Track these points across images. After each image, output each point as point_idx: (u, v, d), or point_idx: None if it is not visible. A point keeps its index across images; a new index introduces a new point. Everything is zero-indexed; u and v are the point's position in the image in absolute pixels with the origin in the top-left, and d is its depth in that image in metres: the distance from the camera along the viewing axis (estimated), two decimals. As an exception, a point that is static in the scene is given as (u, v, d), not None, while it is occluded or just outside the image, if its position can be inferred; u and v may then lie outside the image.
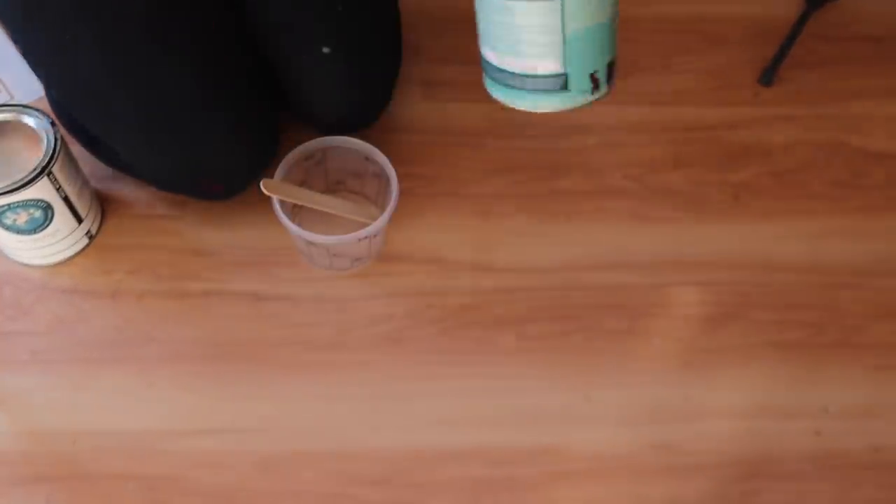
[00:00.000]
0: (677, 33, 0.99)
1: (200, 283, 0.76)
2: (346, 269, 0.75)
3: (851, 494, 0.68)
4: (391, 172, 0.72)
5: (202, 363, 0.71)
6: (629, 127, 0.90)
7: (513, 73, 0.89)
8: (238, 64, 0.73)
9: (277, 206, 0.70)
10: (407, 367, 0.72)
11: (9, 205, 0.68)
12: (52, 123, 0.70)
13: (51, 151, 0.69)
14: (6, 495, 0.64)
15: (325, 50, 0.73)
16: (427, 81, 0.91)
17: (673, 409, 0.71)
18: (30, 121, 0.70)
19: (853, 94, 0.94)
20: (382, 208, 0.74)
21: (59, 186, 0.70)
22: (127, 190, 0.81)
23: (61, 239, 0.74)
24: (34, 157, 0.68)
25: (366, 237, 0.70)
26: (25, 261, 0.75)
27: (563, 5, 0.80)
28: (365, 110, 0.80)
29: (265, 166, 0.75)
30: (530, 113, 0.92)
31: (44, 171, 0.68)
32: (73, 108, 0.73)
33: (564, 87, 0.87)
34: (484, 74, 0.90)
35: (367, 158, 0.74)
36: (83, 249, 0.77)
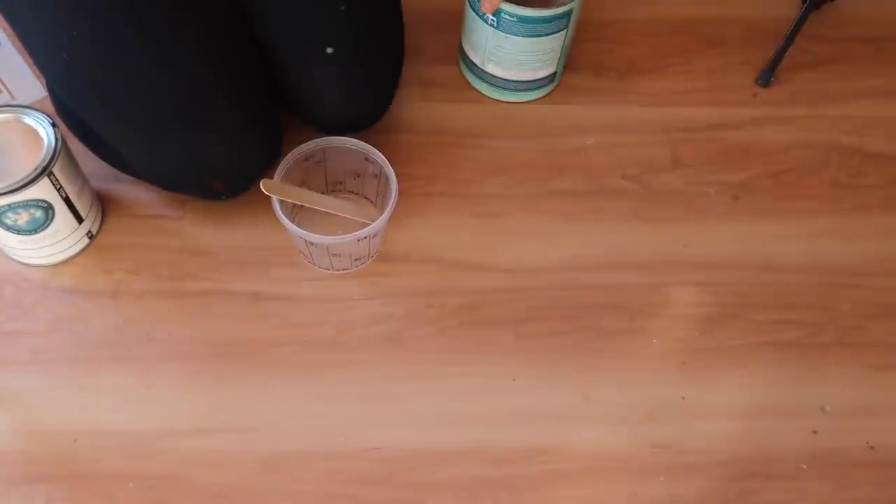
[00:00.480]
0: (675, 35, 0.99)
1: (200, 283, 0.76)
2: (347, 270, 0.76)
3: (849, 493, 0.68)
4: (390, 173, 0.73)
5: (202, 363, 0.72)
6: (628, 127, 0.90)
7: (516, 81, 0.91)
8: (241, 63, 0.73)
9: (277, 207, 0.70)
10: (406, 366, 0.72)
11: (9, 205, 0.68)
12: (53, 124, 0.70)
13: (51, 151, 0.69)
14: (6, 494, 0.64)
15: (329, 50, 0.74)
16: (426, 82, 0.92)
17: (671, 409, 0.71)
18: (30, 121, 0.71)
19: (850, 94, 0.95)
20: (382, 208, 0.74)
21: (60, 186, 0.70)
22: (127, 190, 0.81)
23: (62, 239, 0.74)
24: (35, 157, 0.69)
25: (365, 237, 0.70)
26: (26, 261, 0.75)
27: (567, 28, 0.83)
28: (367, 111, 0.80)
29: (268, 166, 0.75)
30: (528, 113, 0.93)
31: (44, 171, 0.68)
32: (76, 106, 0.73)
33: (553, 80, 0.91)
34: (475, 77, 0.91)
35: (366, 159, 0.75)
36: (84, 249, 0.77)
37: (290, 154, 0.73)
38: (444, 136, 0.88)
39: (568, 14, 0.82)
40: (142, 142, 0.70)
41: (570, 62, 0.93)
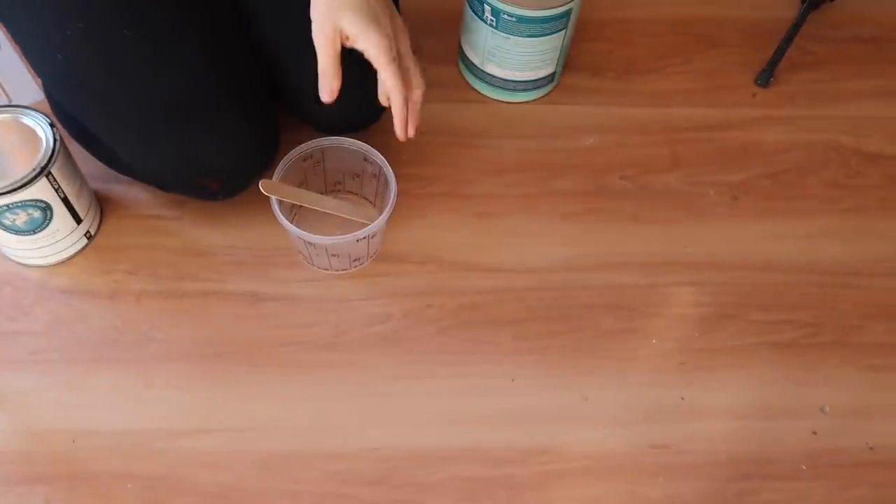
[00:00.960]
0: (675, 35, 0.99)
1: (199, 284, 0.76)
2: (346, 270, 0.76)
3: (848, 493, 0.68)
4: (389, 173, 0.73)
5: (200, 363, 0.71)
6: (627, 128, 0.90)
7: (515, 81, 0.91)
8: (238, 63, 0.73)
9: (276, 207, 0.70)
10: (405, 367, 0.72)
11: (8, 205, 0.68)
12: (51, 124, 0.70)
13: (50, 152, 0.69)
14: (4, 495, 0.64)
15: None
16: (426, 82, 0.91)
17: (670, 409, 0.71)
18: (29, 121, 0.71)
19: (849, 95, 0.95)
20: (381, 209, 0.74)
21: (58, 187, 0.70)
22: (126, 190, 0.81)
23: (60, 239, 0.74)
24: (33, 157, 0.69)
25: (364, 237, 0.70)
26: (24, 261, 0.75)
27: (567, 28, 0.83)
28: (366, 111, 0.80)
29: (265, 166, 0.75)
30: (527, 113, 0.93)
31: (43, 171, 0.68)
32: (73, 107, 0.73)
33: (552, 80, 0.91)
34: (474, 77, 0.91)
35: (365, 159, 0.75)
36: (82, 250, 0.77)
37: (289, 154, 0.73)
38: (444, 136, 0.88)
39: (567, 14, 0.82)
40: (137, 142, 0.70)
41: (569, 62, 0.93)
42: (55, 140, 0.69)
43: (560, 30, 0.83)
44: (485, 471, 0.68)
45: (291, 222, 0.71)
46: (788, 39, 0.96)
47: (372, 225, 0.70)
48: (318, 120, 0.79)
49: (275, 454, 0.67)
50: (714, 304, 0.78)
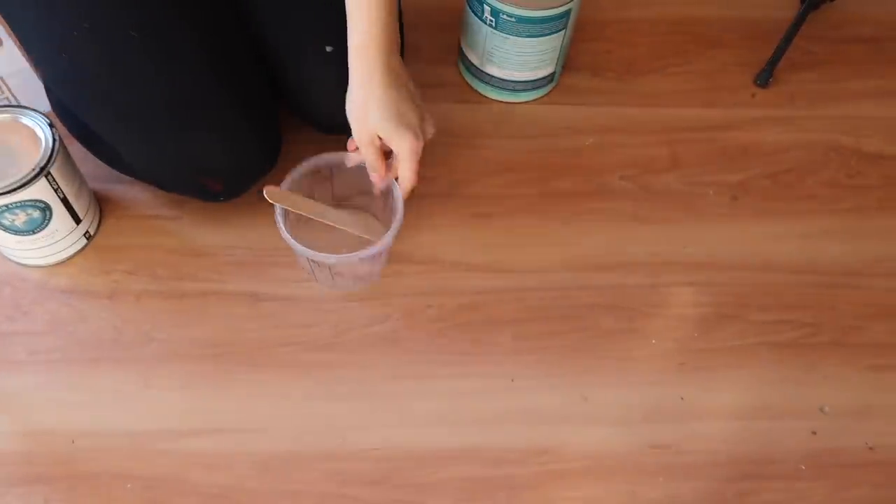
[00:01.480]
0: (674, 35, 0.99)
1: (198, 284, 0.76)
2: (348, 289, 0.73)
3: (848, 494, 0.68)
4: (398, 194, 0.70)
5: (200, 363, 0.71)
6: (626, 128, 0.90)
7: (514, 81, 0.91)
8: (240, 63, 0.73)
9: (280, 220, 0.68)
10: (404, 367, 0.72)
11: (7, 205, 0.68)
12: (51, 124, 0.70)
13: (49, 152, 0.69)
14: (4, 495, 0.64)
15: (328, 49, 0.73)
16: (425, 82, 0.91)
17: (670, 409, 0.71)
18: (28, 122, 0.71)
19: (849, 95, 0.95)
20: (387, 224, 0.72)
21: (58, 187, 0.70)
22: (125, 191, 0.81)
23: (60, 239, 0.74)
24: (33, 157, 0.68)
25: (368, 257, 0.68)
26: (24, 261, 0.75)
27: (566, 28, 0.83)
28: None
29: (267, 166, 0.75)
30: (527, 113, 0.93)
31: (42, 171, 0.68)
32: (75, 106, 0.73)
33: (551, 80, 0.91)
34: (473, 77, 0.91)
35: None
36: (81, 250, 0.77)
37: (297, 168, 0.71)
38: (443, 136, 0.87)
39: (566, 14, 0.82)
40: (140, 141, 0.70)
41: (568, 62, 0.93)
42: (54, 140, 0.69)
43: (559, 30, 0.83)
44: (485, 471, 0.68)
45: (296, 232, 0.69)
46: (788, 39, 0.96)
47: (377, 245, 0.67)
48: (318, 119, 0.79)
49: (274, 454, 0.67)
50: (714, 304, 0.78)
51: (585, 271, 0.79)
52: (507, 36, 0.83)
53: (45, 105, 0.79)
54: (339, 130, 0.76)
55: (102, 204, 0.79)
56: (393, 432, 0.69)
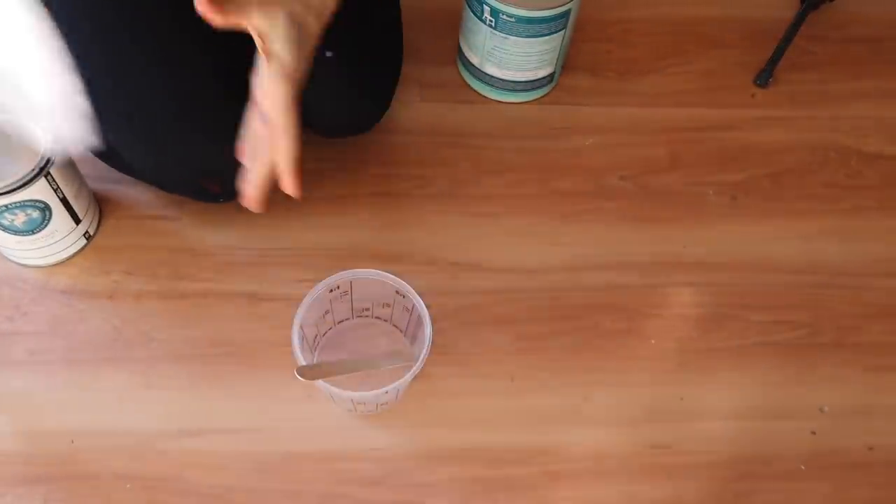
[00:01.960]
0: (674, 35, 0.99)
1: (198, 284, 0.76)
2: (370, 412, 0.71)
3: (847, 494, 0.68)
4: (424, 312, 0.66)
5: (200, 363, 0.71)
6: (626, 128, 0.90)
7: (514, 81, 0.91)
8: (241, 65, 0.73)
9: (296, 345, 0.64)
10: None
11: (7, 205, 0.68)
12: (50, 124, 0.70)
13: (48, 152, 0.69)
14: (3, 496, 0.64)
15: (328, 54, 0.73)
16: (425, 83, 0.92)
17: (670, 410, 0.71)
18: (27, 121, 0.70)
19: (848, 95, 0.95)
20: (412, 339, 0.71)
21: (57, 187, 0.70)
22: (125, 191, 0.81)
23: (59, 240, 0.74)
24: (32, 157, 0.68)
25: (394, 389, 0.64)
26: (23, 261, 0.75)
27: (566, 28, 0.83)
28: (366, 114, 0.80)
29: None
30: (526, 113, 0.93)
31: (41, 171, 0.68)
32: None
33: (551, 80, 0.91)
34: (473, 78, 0.91)
35: (397, 292, 0.69)
36: (81, 250, 0.77)
37: (314, 288, 0.67)
38: (443, 136, 0.88)
39: (566, 14, 0.82)
40: (140, 141, 0.70)
41: (568, 62, 0.93)
42: (54, 140, 0.69)
43: (559, 30, 0.83)
44: (485, 471, 0.68)
45: (315, 349, 0.69)
46: (788, 39, 0.96)
47: (402, 380, 0.63)
48: (317, 123, 0.79)
49: (274, 454, 0.67)
50: (714, 305, 0.78)
51: (585, 271, 0.79)
52: (507, 36, 0.83)
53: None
54: (337, 134, 0.76)
55: (102, 204, 0.79)
56: (393, 432, 0.69)
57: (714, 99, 0.93)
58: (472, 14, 0.84)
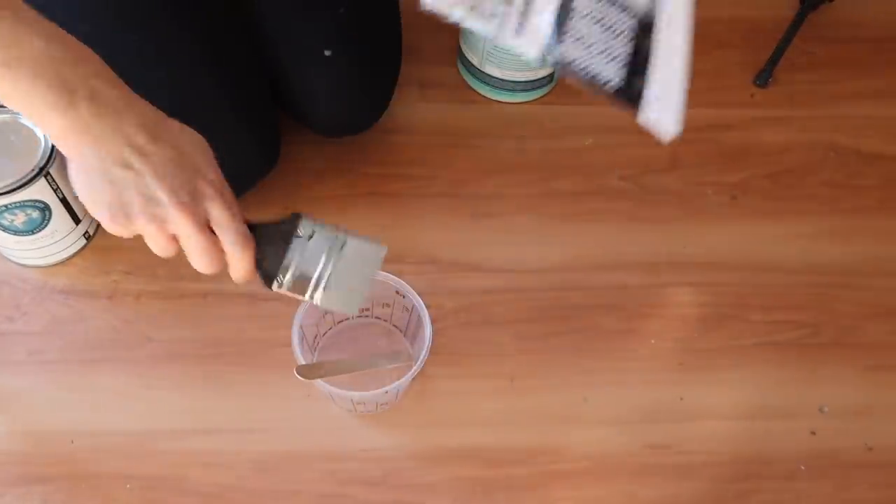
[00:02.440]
0: (673, 35, 0.99)
1: (197, 284, 0.76)
2: (370, 412, 0.71)
3: (847, 494, 0.68)
4: (424, 313, 0.66)
5: (200, 363, 0.71)
6: (625, 128, 0.90)
7: (514, 81, 0.91)
8: (239, 66, 0.73)
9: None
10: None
11: (6, 206, 0.67)
12: (50, 124, 0.70)
13: (48, 152, 0.69)
14: (3, 495, 0.64)
15: (327, 53, 0.73)
16: (425, 83, 0.92)
17: (669, 410, 0.71)
18: (27, 122, 0.70)
19: (848, 95, 0.95)
20: (412, 338, 0.71)
21: (57, 187, 0.70)
22: (124, 190, 0.80)
23: (59, 240, 0.74)
24: (32, 157, 0.68)
25: (394, 389, 0.64)
26: (23, 261, 0.75)
27: None
28: (365, 113, 0.80)
29: (266, 169, 0.75)
30: (526, 113, 0.93)
31: (41, 171, 0.68)
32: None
33: (551, 80, 0.91)
34: (473, 78, 0.91)
35: (397, 292, 0.69)
36: (80, 250, 0.77)
37: None
38: (443, 136, 0.88)
39: (566, 14, 0.82)
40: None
41: (568, 62, 0.93)
42: (54, 140, 0.69)
43: (559, 30, 0.83)
44: (484, 471, 0.67)
45: (315, 348, 0.68)
46: (787, 40, 0.96)
47: (401, 380, 0.64)
48: (316, 123, 0.79)
49: (274, 454, 0.67)
50: (713, 304, 0.78)
51: (585, 271, 0.79)
52: (507, 36, 0.83)
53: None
54: (336, 133, 0.76)
55: (102, 204, 0.79)
56: (393, 432, 0.69)
57: (714, 99, 0.93)
58: (471, 14, 0.84)
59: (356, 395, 0.64)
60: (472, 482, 0.67)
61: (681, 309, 0.78)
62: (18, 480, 0.65)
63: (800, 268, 0.81)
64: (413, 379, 0.64)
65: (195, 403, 0.69)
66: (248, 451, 0.67)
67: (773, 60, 0.95)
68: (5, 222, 0.69)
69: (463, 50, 0.90)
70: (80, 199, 0.49)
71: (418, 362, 0.63)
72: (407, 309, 0.69)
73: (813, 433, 0.71)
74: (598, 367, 0.73)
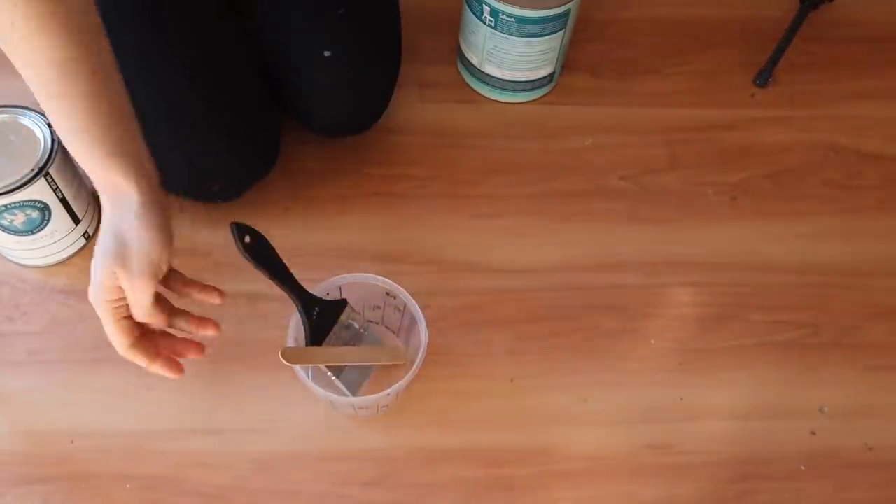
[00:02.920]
0: (673, 35, 0.99)
1: (198, 284, 0.76)
2: (371, 415, 0.71)
3: (847, 494, 0.68)
4: (418, 313, 0.66)
5: (199, 363, 0.71)
6: (625, 128, 0.90)
7: (514, 81, 0.91)
8: (240, 67, 0.73)
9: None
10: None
11: (6, 206, 0.67)
12: (49, 124, 0.70)
13: (48, 152, 0.69)
14: (3, 495, 0.64)
15: (326, 53, 0.73)
16: (425, 83, 0.92)
17: (669, 410, 0.71)
18: (27, 122, 0.70)
19: (848, 95, 0.95)
20: (405, 339, 0.71)
21: (57, 187, 0.70)
22: (124, 190, 0.80)
23: (58, 240, 0.74)
24: (31, 157, 0.68)
25: (394, 390, 0.64)
26: (23, 261, 0.75)
27: (565, 28, 0.83)
28: (364, 113, 0.80)
29: (266, 169, 0.75)
30: (526, 114, 0.93)
31: (41, 171, 0.68)
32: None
33: (551, 80, 0.91)
34: (473, 78, 0.91)
35: (388, 293, 0.69)
36: (80, 250, 0.77)
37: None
38: (443, 136, 0.88)
39: (566, 14, 0.82)
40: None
41: (568, 63, 0.93)
42: (53, 140, 0.69)
43: (559, 30, 0.83)
44: (484, 471, 0.67)
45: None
46: (787, 40, 0.96)
47: (401, 382, 0.63)
48: (316, 123, 0.79)
49: (273, 454, 0.67)
50: (713, 304, 0.78)
51: (585, 271, 0.79)
52: (507, 36, 0.83)
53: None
54: (337, 133, 0.76)
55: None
56: (393, 432, 0.69)
57: (713, 99, 0.93)
58: (471, 14, 0.84)
59: (357, 399, 0.64)
60: (472, 482, 0.67)
61: (680, 309, 0.78)
62: (19, 480, 0.65)
63: (800, 267, 0.81)
64: (412, 379, 0.64)
65: (195, 403, 0.69)
66: (247, 451, 0.67)
67: (774, 60, 0.95)
68: (5, 222, 0.69)
69: (463, 50, 0.90)
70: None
71: (417, 362, 0.63)
72: (398, 309, 0.69)
73: (813, 433, 0.71)
74: (598, 368, 0.73)
